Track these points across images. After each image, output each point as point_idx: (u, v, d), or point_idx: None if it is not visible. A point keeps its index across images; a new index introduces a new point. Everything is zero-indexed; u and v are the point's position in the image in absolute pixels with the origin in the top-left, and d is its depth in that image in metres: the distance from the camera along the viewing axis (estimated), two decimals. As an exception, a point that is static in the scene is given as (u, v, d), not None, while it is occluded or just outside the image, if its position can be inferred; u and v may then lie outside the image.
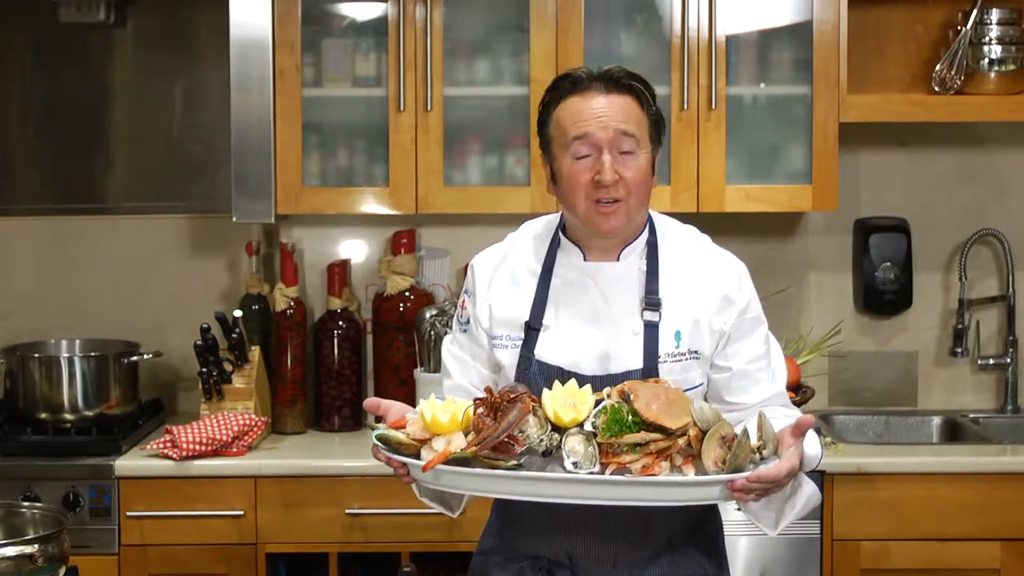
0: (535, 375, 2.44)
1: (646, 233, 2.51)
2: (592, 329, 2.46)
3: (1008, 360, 4.05)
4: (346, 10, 3.82)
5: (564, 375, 2.42)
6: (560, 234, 2.53)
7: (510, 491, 2.28)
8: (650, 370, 2.41)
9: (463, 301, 2.58)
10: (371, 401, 2.42)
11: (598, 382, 2.39)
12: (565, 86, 2.44)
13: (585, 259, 2.50)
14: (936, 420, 4.03)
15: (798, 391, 3.71)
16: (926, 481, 3.52)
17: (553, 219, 2.57)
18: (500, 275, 2.54)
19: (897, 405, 4.10)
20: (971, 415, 4.02)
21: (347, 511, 3.52)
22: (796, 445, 2.26)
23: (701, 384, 2.48)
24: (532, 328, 2.47)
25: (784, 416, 2.43)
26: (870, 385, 4.11)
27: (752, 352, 2.49)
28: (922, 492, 3.51)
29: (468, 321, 2.56)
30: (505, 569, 2.52)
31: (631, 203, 2.41)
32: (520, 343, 2.47)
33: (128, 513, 3.51)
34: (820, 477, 3.49)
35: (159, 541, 3.52)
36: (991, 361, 4.06)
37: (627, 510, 2.38)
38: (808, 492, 2.38)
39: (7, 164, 4.12)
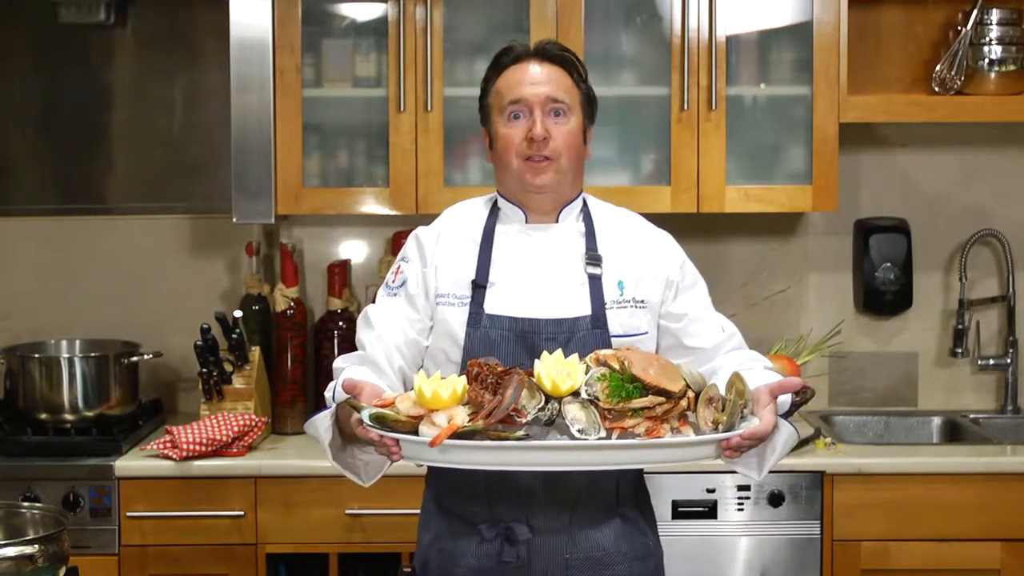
0: (486, 328, 2.53)
1: (581, 200, 2.66)
2: (539, 281, 2.58)
3: (1008, 360, 4.05)
4: (346, 10, 3.82)
5: (515, 323, 2.53)
6: (500, 200, 2.65)
7: (521, 462, 2.30)
8: (598, 316, 2.55)
9: (397, 268, 2.65)
10: (347, 381, 2.40)
11: (550, 327, 2.52)
12: (504, 60, 2.62)
13: (527, 221, 2.62)
14: (936, 420, 4.03)
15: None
16: (926, 481, 3.52)
17: (489, 196, 2.70)
18: (443, 242, 2.64)
19: (897, 405, 4.10)
20: (971, 415, 4.02)
21: (347, 511, 3.52)
22: (772, 402, 2.39)
23: (647, 332, 2.60)
24: (479, 285, 2.57)
25: (749, 361, 2.58)
26: (870, 385, 4.11)
27: (700, 300, 2.67)
28: (922, 492, 3.52)
29: (403, 284, 2.62)
30: (461, 538, 2.54)
31: (561, 163, 2.57)
32: (468, 300, 2.57)
33: (128, 513, 3.51)
34: (820, 477, 3.50)
35: (159, 541, 3.52)
36: (991, 361, 4.06)
37: (579, 471, 2.46)
38: (786, 434, 2.44)
39: (7, 164, 4.12)
